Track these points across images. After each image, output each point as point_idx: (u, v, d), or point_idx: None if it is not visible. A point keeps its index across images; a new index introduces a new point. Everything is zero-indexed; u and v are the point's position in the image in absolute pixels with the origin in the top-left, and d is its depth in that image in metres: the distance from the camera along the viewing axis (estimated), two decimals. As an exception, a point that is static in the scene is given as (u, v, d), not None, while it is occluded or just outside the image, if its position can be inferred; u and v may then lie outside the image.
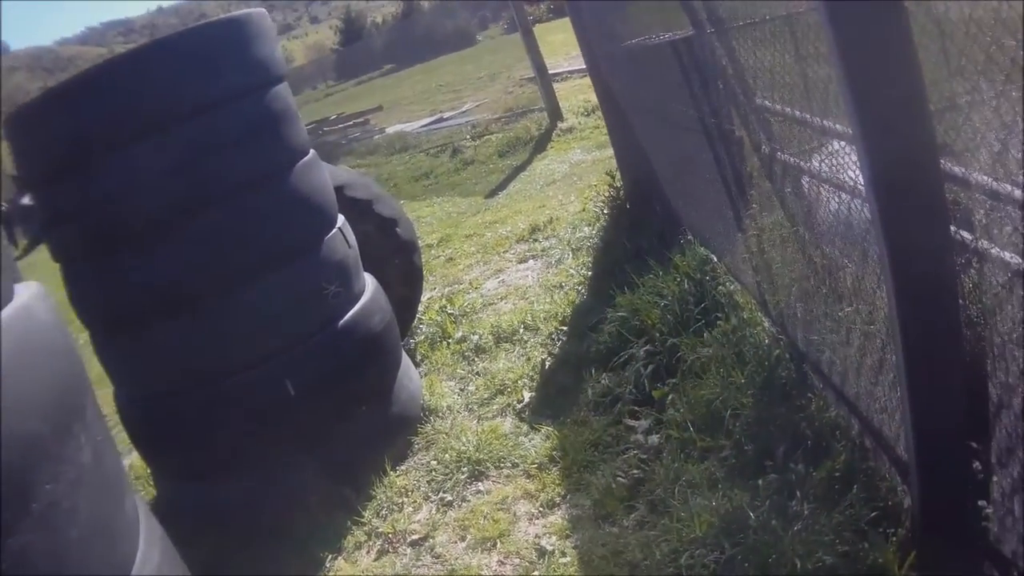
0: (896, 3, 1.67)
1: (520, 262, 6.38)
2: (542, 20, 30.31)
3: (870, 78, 1.71)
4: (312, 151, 4.04)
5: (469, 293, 5.98)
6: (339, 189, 4.69)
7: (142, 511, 1.96)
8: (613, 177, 5.99)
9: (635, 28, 4.39)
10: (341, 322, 3.79)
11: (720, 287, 3.75)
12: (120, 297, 3.56)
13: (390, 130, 19.30)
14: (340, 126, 21.10)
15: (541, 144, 10.97)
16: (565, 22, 7.05)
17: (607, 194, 6.02)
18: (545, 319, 4.83)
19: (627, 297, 4.13)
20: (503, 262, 6.54)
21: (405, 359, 4.29)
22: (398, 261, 5.01)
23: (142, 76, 3.39)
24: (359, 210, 4.81)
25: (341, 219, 4.12)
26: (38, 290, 1.84)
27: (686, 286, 3.86)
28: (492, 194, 9.42)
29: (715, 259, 4.02)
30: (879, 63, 1.71)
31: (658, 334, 3.68)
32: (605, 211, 6.02)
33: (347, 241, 3.99)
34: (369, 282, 4.20)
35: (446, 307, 5.61)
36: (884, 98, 1.71)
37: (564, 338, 4.52)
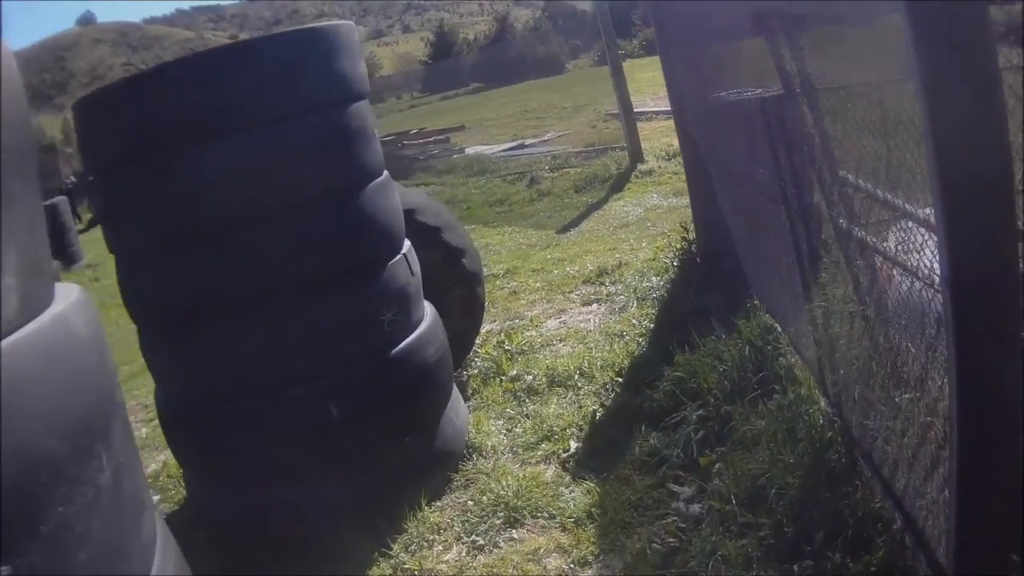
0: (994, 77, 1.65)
1: (584, 304, 6.42)
2: (633, 56, 30.32)
3: (958, 161, 1.69)
4: (385, 173, 4.10)
5: (528, 330, 6.03)
6: (409, 213, 4.76)
7: (159, 528, 1.91)
8: (687, 229, 6.01)
9: (725, 79, 4.41)
10: (394, 351, 3.85)
11: (781, 358, 3.75)
12: (173, 297, 3.67)
13: (470, 151, 19.50)
14: (419, 141, 21.33)
15: (619, 184, 11.02)
16: (657, 60, 7.06)
17: (679, 245, 6.03)
18: (602, 367, 4.85)
19: (686, 357, 4.15)
20: (567, 302, 6.58)
21: (455, 393, 4.34)
22: (460, 292, 5.08)
23: (219, 78, 3.48)
24: (427, 236, 4.88)
25: (407, 245, 4.18)
26: (78, 297, 1.75)
27: (747, 353, 3.87)
28: (564, 230, 9.49)
29: (779, 328, 4.02)
30: (969, 140, 1.68)
31: (713, 399, 3.69)
32: (675, 263, 6.03)
33: (411, 268, 4.05)
34: (428, 311, 4.26)
35: (504, 343, 5.66)
36: (971, 188, 1.70)
37: (618, 390, 4.54)
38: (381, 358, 3.81)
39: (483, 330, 6.15)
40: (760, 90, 3.69)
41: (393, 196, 4.13)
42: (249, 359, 3.62)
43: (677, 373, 4.04)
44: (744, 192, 4.63)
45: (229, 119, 3.44)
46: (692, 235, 5.98)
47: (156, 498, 4.72)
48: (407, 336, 3.93)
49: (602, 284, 6.77)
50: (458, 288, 5.06)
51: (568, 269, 7.51)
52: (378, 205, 3.91)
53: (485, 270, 8.22)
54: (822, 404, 3.30)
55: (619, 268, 7.01)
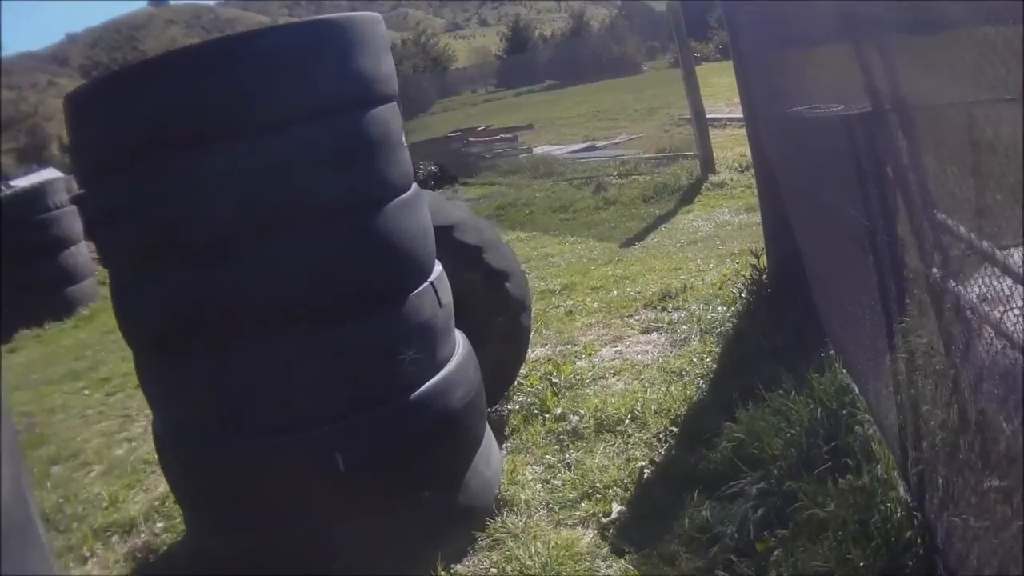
0: None
1: (643, 332, 5.97)
2: (709, 59, 29.69)
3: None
4: (414, 188, 3.64)
5: (580, 359, 5.61)
6: (446, 230, 4.38)
7: None
8: (757, 256, 5.54)
9: (804, 91, 3.93)
10: (415, 394, 3.43)
11: (857, 426, 3.28)
12: (158, 318, 3.32)
13: (538, 150, 19.12)
14: (486, 139, 20.95)
15: (688, 196, 10.54)
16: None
17: (748, 274, 5.57)
18: (656, 413, 4.41)
19: (749, 413, 3.70)
20: (625, 328, 6.14)
21: (487, 439, 3.92)
22: (503, 319, 4.66)
23: (210, 74, 3.09)
24: (466, 256, 4.49)
25: (438, 270, 3.75)
26: None
27: (818, 416, 3.40)
28: (629, 244, 9.04)
29: (855, 389, 3.55)
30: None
31: (776, 471, 3.23)
32: (743, 293, 5.57)
33: (438, 299, 3.61)
34: (460, 346, 3.84)
35: (551, 374, 5.24)
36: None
37: (672, 442, 4.10)
38: (397, 401, 3.38)
39: (532, 355, 5.76)
40: (844, 106, 3.25)
41: (421, 215, 3.66)
42: (241, 394, 3.25)
43: (738, 433, 3.58)
44: (822, 224, 4.16)
45: (221, 122, 3.07)
46: (763, 264, 5.52)
47: (160, 525, 4.42)
48: (430, 377, 3.50)
49: (664, 310, 6.31)
50: (500, 315, 4.64)
51: (629, 289, 7.06)
52: (401, 225, 3.45)
53: (542, 284, 7.88)
54: (900, 491, 2.85)
55: (683, 292, 6.54)
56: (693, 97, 11.18)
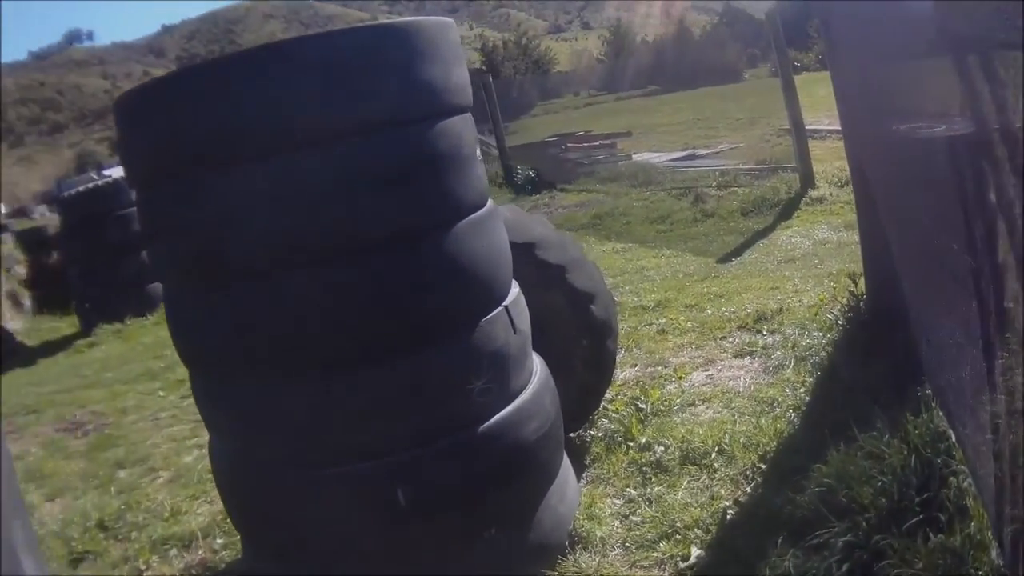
0: None
1: (736, 356, 5.80)
2: (810, 68, 29.10)
3: None
4: (488, 206, 3.46)
5: (670, 383, 5.47)
6: (527, 248, 4.28)
7: None
8: (854, 280, 5.33)
9: (905, 108, 3.73)
10: (483, 426, 3.29)
11: (952, 478, 3.10)
12: (206, 341, 3.27)
13: (637, 157, 18.93)
14: (584, 145, 20.82)
15: (787, 211, 10.27)
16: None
17: (845, 300, 5.37)
18: (745, 447, 4.25)
19: (839, 456, 3.53)
20: (717, 351, 5.97)
21: (564, 471, 3.80)
22: (587, 344, 4.55)
23: (255, 85, 2.93)
24: (548, 276, 4.37)
25: (514, 293, 3.60)
26: None
27: (912, 463, 3.22)
28: (726, 259, 8.84)
29: (952, 436, 3.36)
30: None
31: (865, 523, 3.06)
32: (840, 320, 5.37)
33: (513, 325, 3.45)
34: (536, 374, 3.71)
35: (638, 399, 5.11)
36: None
37: (759, 480, 3.95)
38: (464, 435, 3.24)
39: (620, 376, 5.66)
40: (946, 126, 3.07)
41: (495, 236, 3.48)
42: (298, 424, 3.16)
43: (827, 478, 3.42)
44: (920, 250, 3.97)
45: (267, 136, 2.92)
46: (861, 289, 5.31)
47: (220, 541, 4.41)
48: (501, 408, 3.36)
49: (759, 332, 6.12)
50: (584, 339, 4.52)
51: (724, 309, 6.89)
52: (471, 248, 3.27)
53: (635, 299, 7.75)
54: (993, 554, 2.67)
55: (779, 314, 6.34)
56: (792, 109, 10.90)
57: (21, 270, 17.49)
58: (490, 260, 3.40)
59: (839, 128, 13.09)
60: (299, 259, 3.02)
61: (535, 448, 3.48)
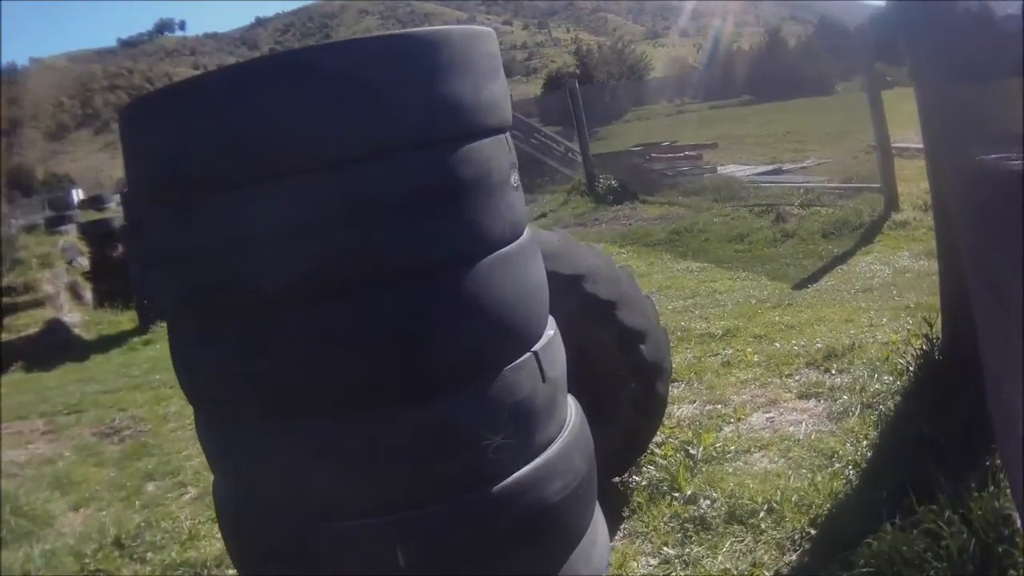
0: None
1: (800, 397, 5.45)
2: (902, 84, 28.35)
3: None
4: (524, 237, 3.08)
5: (728, 424, 5.16)
6: (576, 280, 4.02)
7: None
8: (930, 324, 4.96)
9: (992, 134, 3.36)
10: (499, 485, 2.90)
11: (1012, 569, 2.77)
12: (200, 380, 3.02)
13: (723, 170, 18.51)
14: (669, 156, 20.44)
15: (869, 234, 9.83)
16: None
17: (919, 345, 4.99)
18: (796, 506, 3.94)
19: (894, 532, 3.21)
20: (782, 390, 5.64)
21: (593, 531, 3.44)
22: (635, 386, 4.26)
23: (252, 102, 2.62)
24: (597, 312, 4.10)
25: (548, 336, 3.19)
26: None
27: (971, 548, 2.90)
28: (801, 285, 8.45)
29: (1017, 520, 3.02)
30: None
31: (913, 618, 2.76)
32: (911, 367, 5.00)
33: (542, 373, 3.06)
34: (569, 424, 3.32)
35: (690, 443, 4.81)
36: None
37: (807, 547, 3.63)
38: (477, 494, 2.88)
39: (677, 412, 5.40)
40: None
41: (528, 271, 3.09)
42: (292, 471, 2.86)
43: (877, 559, 3.11)
44: (999, 306, 3.62)
45: (264, 159, 2.60)
46: (936, 333, 4.94)
47: (232, 573, 4.21)
48: (523, 464, 2.98)
49: (827, 371, 5.77)
50: (632, 381, 4.23)
51: (794, 342, 6.53)
52: (496, 287, 2.88)
53: (703, 325, 7.44)
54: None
55: (851, 351, 5.98)
56: (879, 127, 10.45)
57: (84, 262, 17.69)
58: (520, 300, 3.03)
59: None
60: (298, 295, 2.71)
61: (558, 510, 3.15)
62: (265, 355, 2.78)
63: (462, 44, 2.86)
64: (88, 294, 16.44)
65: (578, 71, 67.13)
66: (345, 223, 2.66)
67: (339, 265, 2.68)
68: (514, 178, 3.10)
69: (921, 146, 14.17)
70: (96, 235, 18.18)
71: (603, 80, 61.04)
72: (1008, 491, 3.21)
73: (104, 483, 6.15)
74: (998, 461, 3.43)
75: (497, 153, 2.98)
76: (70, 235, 19.51)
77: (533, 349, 3.07)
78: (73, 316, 14.93)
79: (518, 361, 2.99)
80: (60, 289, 15.54)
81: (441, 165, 2.77)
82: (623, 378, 4.23)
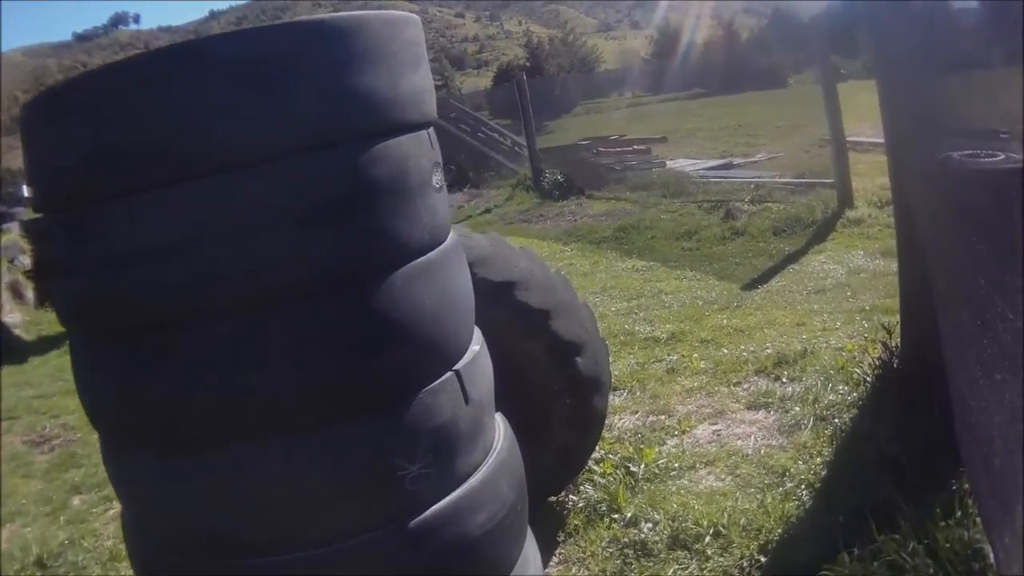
0: None
1: (749, 408, 5.17)
2: (856, 77, 28.49)
3: None
4: (449, 240, 2.76)
5: (671, 438, 4.86)
6: (507, 288, 3.69)
7: None
8: (889, 332, 4.69)
9: (968, 129, 3.07)
10: (417, 519, 2.56)
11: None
12: (98, 402, 2.66)
13: (672, 164, 18.30)
14: (617, 150, 20.23)
15: (822, 232, 9.60)
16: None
17: (877, 354, 4.72)
18: (745, 530, 3.65)
19: (850, 567, 2.92)
20: (729, 400, 5.34)
21: (524, 562, 3.08)
22: (570, 401, 3.93)
23: (135, 100, 2.28)
24: (529, 323, 3.77)
25: (473, 352, 2.86)
26: None
27: (938, 585, 2.62)
28: (751, 286, 8.18)
29: (989, 555, 2.73)
30: None
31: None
32: (870, 378, 4.72)
33: (465, 394, 2.73)
34: (496, 449, 2.97)
35: (631, 460, 4.50)
36: None
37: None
38: (394, 529, 2.53)
39: (618, 425, 5.10)
40: (1006, 156, 2.45)
41: (452, 281, 2.76)
42: (188, 503, 2.52)
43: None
44: (964, 303, 3.32)
45: (147, 164, 2.27)
46: (896, 341, 4.66)
47: None
48: (444, 495, 2.64)
49: (778, 379, 5.50)
50: (567, 396, 3.91)
51: (743, 347, 6.26)
52: (413, 300, 2.55)
53: (647, 329, 7.14)
54: None
55: (803, 358, 5.71)
56: (833, 121, 10.23)
57: (26, 260, 17.19)
58: (441, 313, 2.68)
59: (883, 141, 12.44)
60: (191, 314, 2.36)
61: (482, 544, 2.81)
62: (157, 378, 2.42)
63: (379, 31, 2.51)
64: (30, 294, 15.92)
65: (528, 64, 66.99)
66: (238, 235, 2.29)
67: (232, 282, 2.32)
68: (436, 178, 2.74)
69: (876, 140, 14.11)
70: (37, 233, 17.69)
71: (553, 73, 61.04)
72: (977, 519, 2.93)
73: (31, 496, 5.78)
74: (965, 485, 3.16)
75: (416, 151, 2.62)
76: (12, 233, 18.95)
77: (455, 368, 2.74)
78: (14, 316, 14.40)
79: (438, 382, 2.65)
80: (0, 289, 15.02)
81: (350, 166, 2.41)
82: (557, 393, 3.90)
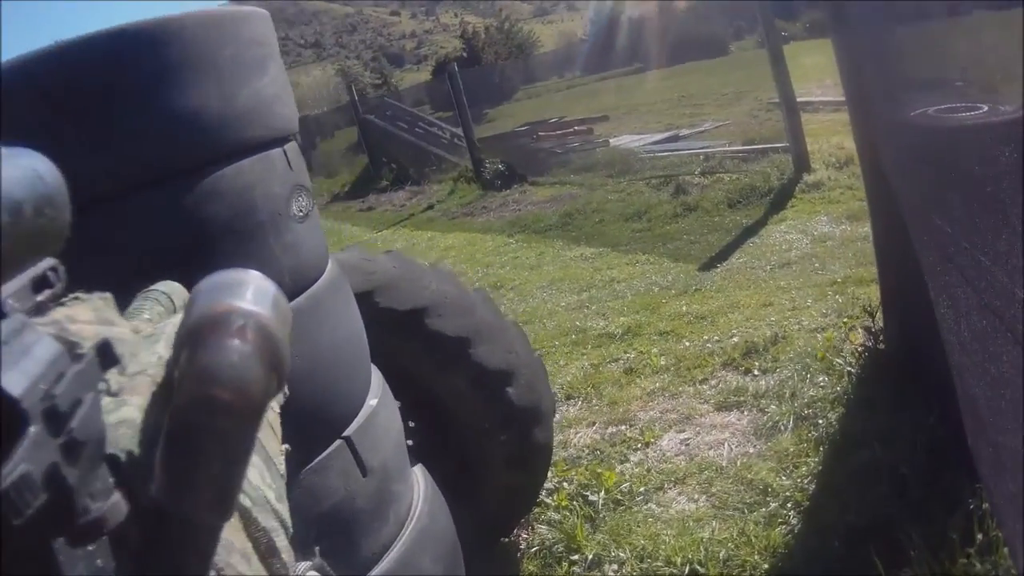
0: None
1: (719, 409, 4.65)
2: (797, 38, 28.37)
3: None
4: (324, 279, 2.27)
5: (633, 453, 4.35)
6: (416, 315, 3.19)
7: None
8: (871, 314, 4.18)
9: (943, 80, 2.60)
10: None
11: None
12: None
13: (616, 142, 17.80)
14: (558, 132, 19.73)
15: (780, 200, 9.11)
16: (823, 43, 5.24)
17: (859, 342, 4.21)
18: (725, 567, 3.14)
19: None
20: (696, 401, 4.83)
21: None
22: (506, 438, 3.39)
23: None
24: (446, 353, 3.25)
25: (368, 409, 2.38)
26: None
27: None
28: (709, 266, 7.66)
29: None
30: None
31: None
32: (852, 368, 4.21)
33: (361, 465, 2.26)
34: (415, 515, 2.52)
35: (589, 487, 3.98)
36: None
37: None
38: None
39: (574, 440, 4.60)
40: (988, 108, 1.98)
41: (331, 327, 2.28)
42: None
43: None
44: (966, 279, 2.83)
45: None
46: (878, 324, 4.16)
47: None
48: None
49: (748, 372, 4.99)
50: (502, 432, 3.36)
51: (706, 337, 5.74)
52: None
53: (601, 324, 6.61)
54: None
55: (774, 345, 5.19)
56: (783, 84, 9.75)
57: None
58: (316, 373, 2.18)
59: (833, 99, 11.97)
60: None
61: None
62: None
63: (201, 35, 1.97)
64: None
65: (465, 54, 66.47)
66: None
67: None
68: (298, 206, 2.19)
69: (826, 99, 13.69)
70: None
71: (491, 61, 60.51)
72: (1006, 550, 2.43)
73: None
74: (984, 505, 2.65)
75: (265, 177, 2.10)
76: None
77: (345, 434, 2.23)
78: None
79: (322, 456, 2.15)
80: None
81: (169, 209, 1.91)
82: (489, 430, 3.37)
